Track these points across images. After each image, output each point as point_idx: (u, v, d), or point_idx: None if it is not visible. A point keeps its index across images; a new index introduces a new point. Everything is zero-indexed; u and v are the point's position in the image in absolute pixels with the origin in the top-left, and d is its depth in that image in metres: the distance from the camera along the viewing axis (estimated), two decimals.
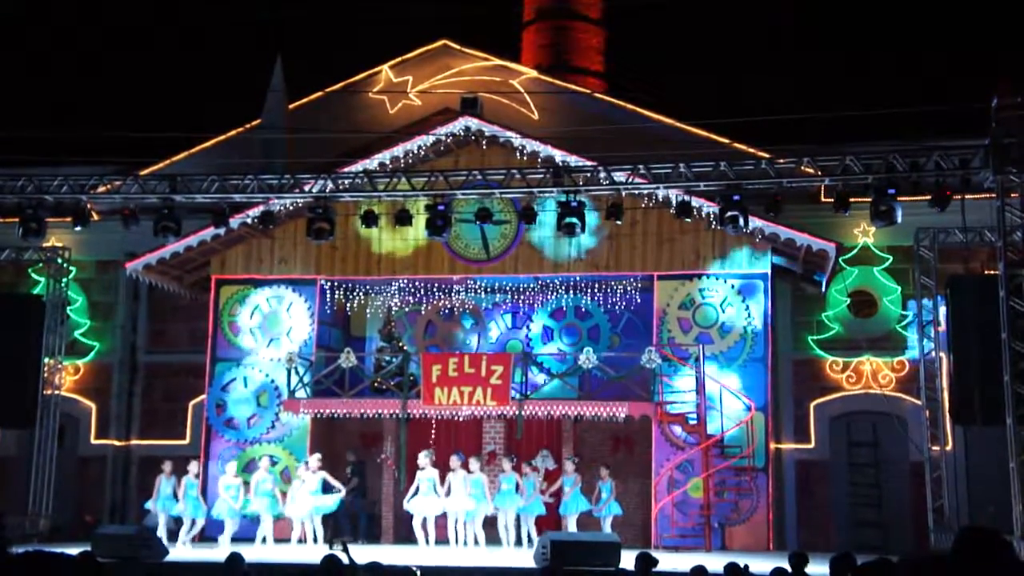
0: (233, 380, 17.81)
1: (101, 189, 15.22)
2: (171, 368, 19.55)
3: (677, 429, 16.50)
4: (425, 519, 15.41)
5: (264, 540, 15.54)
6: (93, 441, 19.52)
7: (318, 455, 16.21)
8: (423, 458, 15.60)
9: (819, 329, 18.13)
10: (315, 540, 15.62)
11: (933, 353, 16.28)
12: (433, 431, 17.49)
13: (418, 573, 9.73)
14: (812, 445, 17.98)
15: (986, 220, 14.44)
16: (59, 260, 17.80)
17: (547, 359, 17.57)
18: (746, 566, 8.86)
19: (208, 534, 16.42)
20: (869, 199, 13.61)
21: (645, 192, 15.00)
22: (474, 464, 15.56)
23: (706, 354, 16.59)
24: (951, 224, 15.35)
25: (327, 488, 15.89)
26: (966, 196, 13.72)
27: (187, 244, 17.43)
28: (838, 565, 7.85)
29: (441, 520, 15.64)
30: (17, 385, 16.50)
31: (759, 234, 16.38)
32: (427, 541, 15.27)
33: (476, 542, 15.35)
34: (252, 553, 12.80)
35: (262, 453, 17.19)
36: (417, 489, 15.43)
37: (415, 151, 17.21)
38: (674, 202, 14.69)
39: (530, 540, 15.34)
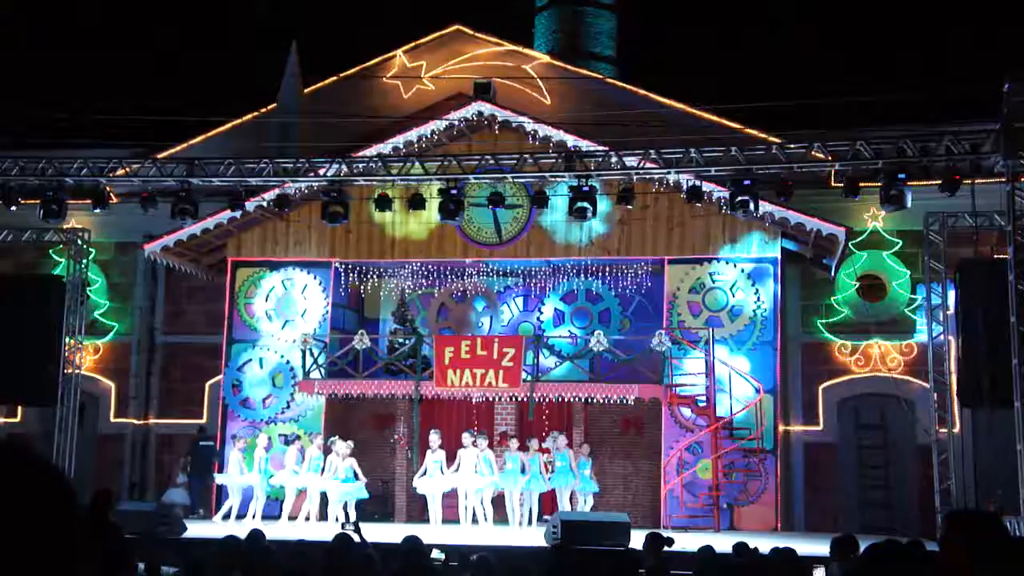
0: (249, 361, 18.08)
1: (120, 172, 15.43)
2: (188, 348, 19.84)
3: (687, 411, 16.68)
4: (434, 497, 15.64)
5: (308, 518, 15.69)
6: (112, 420, 19.87)
7: (350, 442, 16.13)
8: (433, 439, 15.82)
9: (828, 313, 18.25)
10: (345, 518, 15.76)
11: (942, 337, 16.36)
12: (441, 412, 17.74)
13: (442, 555, 9.89)
14: (820, 427, 18.14)
15: (996, 204, 14.50)
16: (79, 242, 18.05)
17: (558, 342, 17.75)
18: (755, 548, 9.03)
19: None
20: (879, 184, 13.66)
21: (656, 177, 15.12)
22: (483, 441, 15.77)
23: (716, 337, 16.74)
24: (961, 208, 15.40)
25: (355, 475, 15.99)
26: (976, 180, 13.77)
27: (204, 227, 17.67)
28: (839, 547, 8.02)
29: (449, 500, 15.86)
30: (38, 364, 16.78)
31: (769, 219, 16.49)
32: (438, 519, 15.50)
33: (485, 518, 15.59)
34: (270, 530, 13.03)
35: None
36: (426, 469, 15.66)
37: (428, 136, 17.38)
38: (685, 187, 14.81)
39: (533, 519, 15.61)
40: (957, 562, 3.29)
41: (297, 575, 7.97)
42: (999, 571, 3.20)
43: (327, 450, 15.98)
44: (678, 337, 16.80)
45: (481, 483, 15.51)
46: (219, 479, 16.47)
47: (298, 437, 16.96)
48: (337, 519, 15.30)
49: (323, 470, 15.83)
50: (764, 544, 9.46)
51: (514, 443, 16.10)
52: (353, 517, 15.41)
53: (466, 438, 15.76)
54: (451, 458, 16.02)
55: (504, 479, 15.71)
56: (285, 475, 15.97)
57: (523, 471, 15.71)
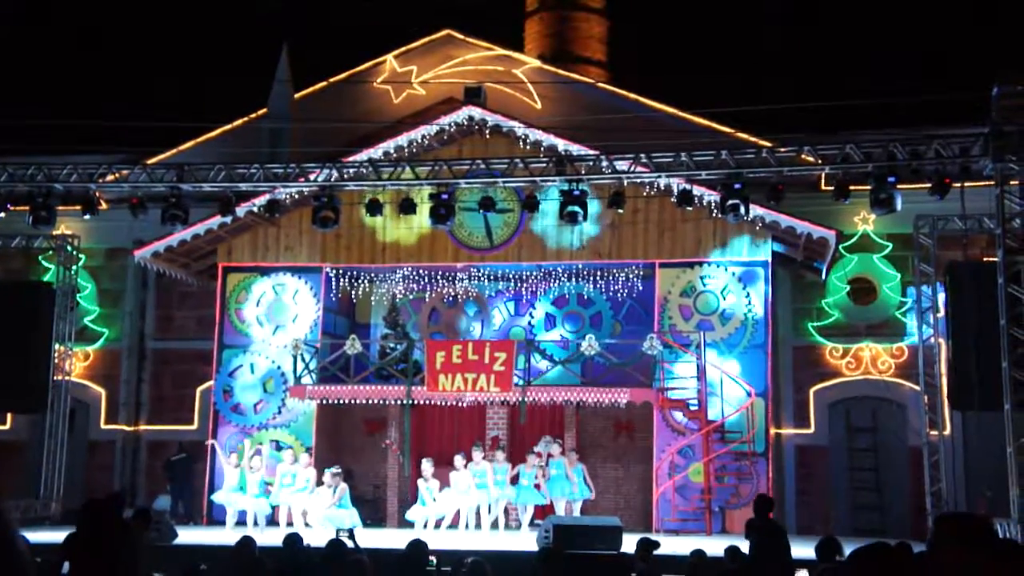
0: (240, 367, 18.03)
1: (109, 178, 15.39)
2: (179, 355, 19.80)
3: (678, 415, 16.70)
4: (427, 520, 15.54)
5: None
6: (103, 426, 19.79)
7: (338, 468, 15.81)
8: (426, 467, 15.70)
9: (819, 316, 18.30)
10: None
11: (932, 339, 16.43)
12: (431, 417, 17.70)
13: (433, 560, 9.90)
14: (812, 430, 18.18)
15: (985, 207, 14.58)
16: (68, 248, 18.01)
17: (550, 346, 17.76)
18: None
19: (217, 517, 16.71)
20: (869, 187, 13.72)
21: (647, 181, 15.14)
22: (476, 454, 15.70)
23: (707, 341, 16.76)
24: (950, 212, 15.48)
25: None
26: (965, 184, 13.83)
27: (194, 232, 17.64)
28: (822, 550, 8.09)
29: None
30: (28, 371, 16.73)
31: (760, 222, 16.53)
32: (424, 526, 15.43)
33: (478, 526, 15.56)
34: (260, 538, 13.00)
35: (269, 439, 17.51)
36: (421, 498, 15.59)
37: (419, 140, 17.37)
38: (675, 190, 14.83)
39: (524, 524, 15.60)
40: (949, 565, 3.29)
41: None
42: (990, 572, 3.20)
43: (320, 473, 15.74)
44: (669, 341, 16.82)
45: (478, 500, 15.45)
46: (216, 499, 16.26)
47: (291, 447, 16.88)
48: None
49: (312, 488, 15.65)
50: None
51: (500, 454, 16.02)
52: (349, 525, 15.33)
53: (458, 460, 15.65)
54: (443, 462, 16.04)
55: (496, 488, 15.64)
56: (280, 494, 15.77)
57: (515, 481, 15.66)
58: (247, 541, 8.75)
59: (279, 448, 17.51)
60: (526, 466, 15.83)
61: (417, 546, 8.28)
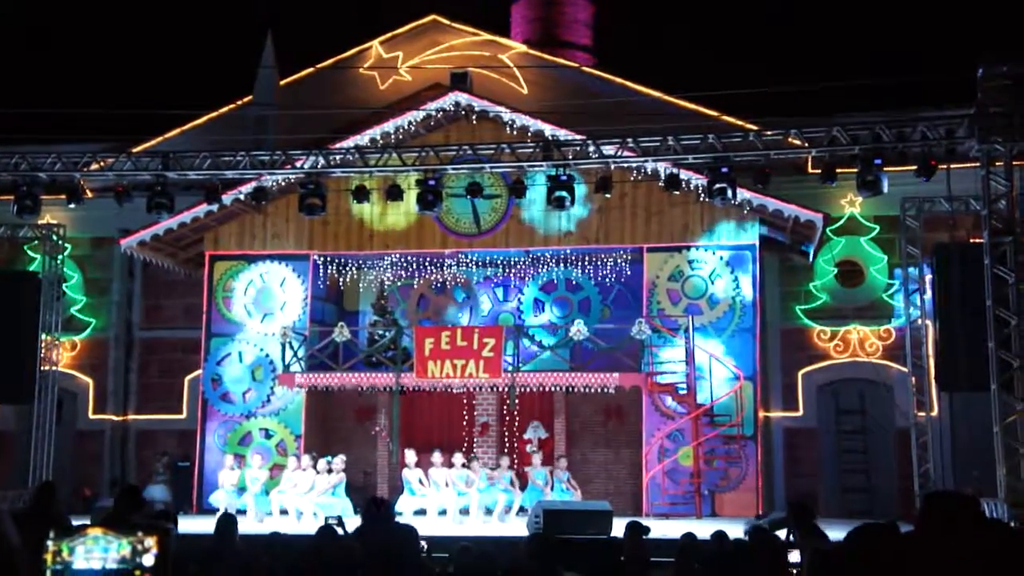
0: (228, 355, 18.00)
1: (94, 166, 15.28)
2: (167, 344, 19.74)
3: (667, 399, 16.75)
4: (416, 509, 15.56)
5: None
6: (91, 416, 19.75)
7: (342, 456, 16.00)
8: (409, 456, 15.70)
9: (807, 299, 18.35)
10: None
11: (919, 321, 16.48)
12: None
13: (424, 545, 9.91)
14: (800, 413, 18.26)
15: (971, 189, 14.62)
16: (54, 237, 17.88)
17: (538, 331, 17.77)
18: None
19: (207, 507, 16.67)
20: (855, 169, 13.72)
21: (634, 165, 15.13)
22: (457, 459, 15.63)
23: (695, 325, 16.80)
24: (937, 193, 15.51)
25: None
26: (951, 165, 13.86)
27: (180, 220, 17.58)
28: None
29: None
30: (15, 361, 16.63)
31: (747, 206, 16.55)
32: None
33: (468, 511, 15.56)
34: (248, 527, 12.99)
35: (259, 427, 17.50)
36: (408, 485, 15.57)
37: (406, 126, 17.33)
38: (663, 175, 14.82)
39: (512, 512, 15.58)
40: (936, 542, 3.30)
41: (281, 567, 7.97)
42: (970, 547, 3.22)
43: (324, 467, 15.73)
44: (658, 325, 16.85)
45: (459, 502, 15.41)
46: (214, 500, 16.16)
47: (296, 455, 16.73)
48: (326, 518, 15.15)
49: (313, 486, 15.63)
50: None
51: (476, 463, 15.93)
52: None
53: (436, 457, 15.65)
54: (432, 449, 16.04)
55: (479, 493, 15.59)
56: (280, 498, 15.70)
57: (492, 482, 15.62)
58: (228, 521, 8.53)
59: (268, 436, 17.54)
60: (498, 472, 15.71)
61: (409, 532, 8.29)
